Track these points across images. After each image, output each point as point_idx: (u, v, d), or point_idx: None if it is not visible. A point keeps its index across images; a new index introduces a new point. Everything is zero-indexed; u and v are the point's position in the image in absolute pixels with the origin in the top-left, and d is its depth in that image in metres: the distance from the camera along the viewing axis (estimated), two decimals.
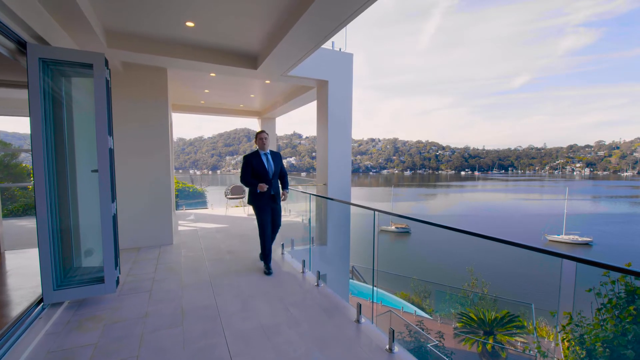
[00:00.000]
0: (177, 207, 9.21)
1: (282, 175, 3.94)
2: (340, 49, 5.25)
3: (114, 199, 3.13)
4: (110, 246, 3.00)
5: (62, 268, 3.16)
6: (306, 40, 3.55)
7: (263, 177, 3.67)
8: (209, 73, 5.16)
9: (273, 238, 4.03)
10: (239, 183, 10.00)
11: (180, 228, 6.48)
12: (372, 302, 3.52)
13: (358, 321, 2.70)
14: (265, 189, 3.61)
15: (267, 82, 5.71)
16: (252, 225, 6.83)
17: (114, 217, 3.11)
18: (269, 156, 3.79)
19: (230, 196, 8.32)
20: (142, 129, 4.92)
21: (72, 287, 2.98)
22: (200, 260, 4.32)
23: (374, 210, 2.79)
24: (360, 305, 2.71)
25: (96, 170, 2.95)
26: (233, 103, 8.23)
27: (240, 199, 8.66)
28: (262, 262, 4.06)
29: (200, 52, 4.26)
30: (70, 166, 3.39)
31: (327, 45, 5.15)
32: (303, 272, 3.89)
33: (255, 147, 3.89)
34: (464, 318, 7.97)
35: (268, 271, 3.80)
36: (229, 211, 8.52)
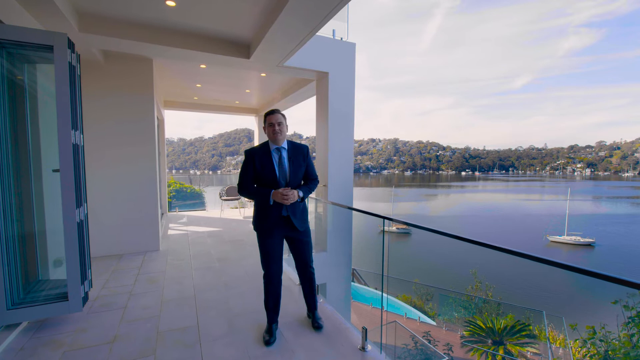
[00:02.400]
0: (171, 208, 8.81)
1: (308, 179, 2.49)
2: (342, 39, 4.83)
3: (80, 203, 2.72)
4: (74, 258, 2.58)
5: (23, 282, 2.75)
6: (300, 25, 3.14)
7: (271, 186, 2.29)
8: (199, 64, 4.75)
9: (308, 289, 2.57)
10: (236, 184, 9.60)
11: (170, 232, 6.07)
12: (382, 310, 3.09)
13: (363, 348, 2.28)
14: (285, 199, 2.19)
15: (263, 75, 5.30)
16: (247, 228, 6.41)
17: (81, 225, 2.70)
18: (285, 153, 2.34)
19: (225, 197, 7.90)
20: (125, 125, 4.50)
21: (33, 306, 2.56)
22: (187, 270, 3.91)
23: (383, 217, 2.37)
24: (367, 330, 2.29)
25: (58, 170, 2.53)
26: (228, 99, 7.81)
27: (237, 200, 8.26)
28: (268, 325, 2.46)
29: (187, 39, 3.84)
30: (34, 164, 2.99)
31: (327, 34, 4.74)
32: (300, 284, 3.46)
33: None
34: (471, 327, 7.55)
35: (268, 337, 2.34)
36: (224, 213, 8.10)
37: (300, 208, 2.42)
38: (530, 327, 7.52)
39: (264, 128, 2.38)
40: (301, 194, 2.35)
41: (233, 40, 3.94)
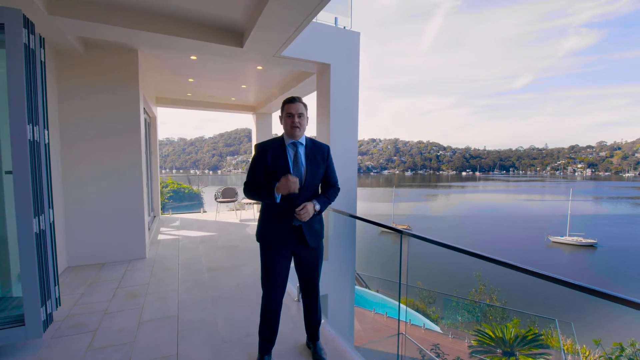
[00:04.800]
0: (165, 210, 8.42)
1: (327, 186, 2.09)
2: (344, 27, 4.44)
3: (41, 210, 2.32)
4: (32, 276, 2.20)
5: None
6: (293, 9, 2.75)
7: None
8: (189, 55, 4.37)
9: (312, 317, 2.17)
10: (234, 185, 9.18)
11: (160, 236, 5.68)
12: (398, 324, 2.69)
13: None
14: (292, 189, 1.77)
15: (259, 67, 4.91)
16: (243, 233, 6.02)
17: (41, 235, 2.31)
18: (301, 149, 1.95)
19: (220, 199, 7.50)
20: (108, 122, 4.11)
21: None
22: (172, 282, 3.51)
23: (401, 232, 1.99)
24: None
25: (11, 172, 2.14)
26: (223, 96, 7.41)
27: (233, 202, 7.86)
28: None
29: (174, 25, 3.45)
30: None
31: (329, 22, 4.35)
32: (298, 300, 3.08)
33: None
34: (479, 336, 7.16)
35: None
36: (219, 216, 7.71)
37: (317, 218, 2.01)
38: (543, 337, 7.13)
39: (281, 118, 1.99)
40: (317, 207, 1.91)
41: (225, 26, 3.55)
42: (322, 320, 2.63)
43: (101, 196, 4.10)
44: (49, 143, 2.57)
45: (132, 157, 4.25)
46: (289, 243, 1.93)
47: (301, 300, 3.05)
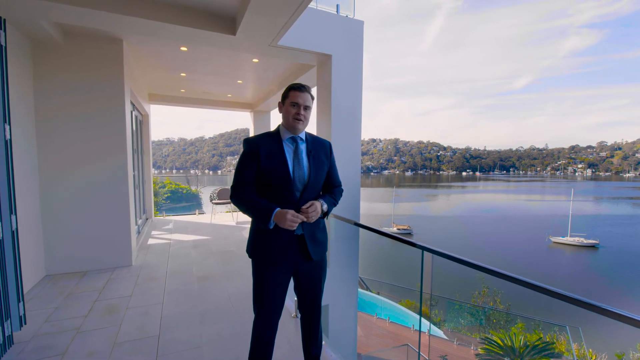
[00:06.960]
0: (160, 212, 8.11)
1: (330, 187, 1.78)
2: (347, 16, 4.12)
3: None
4: None
5: None
6: None
7: (282, 193, 1.55)
8: (179, 46, 4.06)
9: (311, 342, 1.84)
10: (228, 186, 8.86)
11: (151, 241, 5.35)
12: (419, 337, 2.37)
13: None
14: (295, 224, 1.48)
15: (255, 60, 4.59)
16: (239, 237, 5.71)
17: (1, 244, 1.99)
18: (302, 145, 1.64)
19: (216, 201, 7.18)
20: (89, 120, 3.77)
21: None
22: (158, 294, 3.19)
23: (422, 248, 1.68)
24: None
25: None
26: (219, 92, 7.09)
27: (230, 203, 7.54)
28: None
29: (160, 10, 3.13)
30: None
31: (330, 9, 4.03)
32: (296, 315, 2.76)
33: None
34: (487, 344, 6.85)
35: None
36: (215, 218, 7.39)
37: (320, 226, 1.70)
38: (554, 345, 6.83)
39: (281, 106, 1.65)
40: (325, 207, 1.63)
41: (215, 11, 3.23)
42: (323, 342, 2.31)
43: (83, 200, 3.77)
44: (11, 139, 2.25)
45: (117, 156, 3.92)
46: (290, 257, 1.60)
47: (299, 317, 2.73)
